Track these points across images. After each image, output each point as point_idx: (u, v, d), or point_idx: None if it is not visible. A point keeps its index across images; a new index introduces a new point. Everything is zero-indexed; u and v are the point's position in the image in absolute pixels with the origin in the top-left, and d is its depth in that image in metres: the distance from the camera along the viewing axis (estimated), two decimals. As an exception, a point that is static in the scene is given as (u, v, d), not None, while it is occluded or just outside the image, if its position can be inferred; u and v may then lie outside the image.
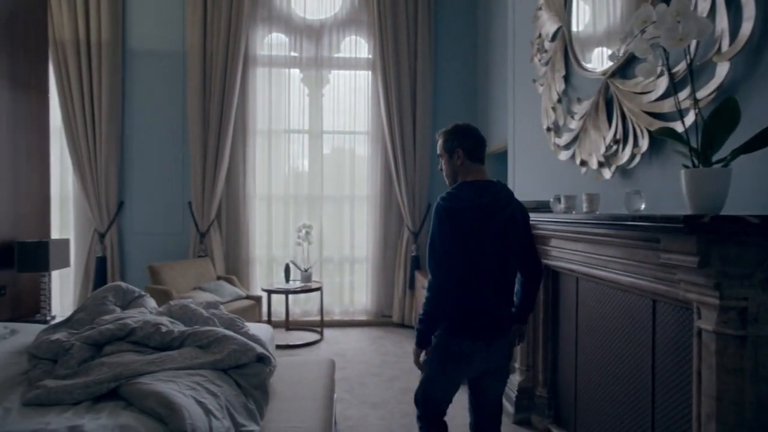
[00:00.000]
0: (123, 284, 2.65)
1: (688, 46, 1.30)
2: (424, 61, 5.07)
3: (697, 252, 1.20)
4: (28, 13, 3.48)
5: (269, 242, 5.21)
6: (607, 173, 2.14)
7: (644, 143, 1.83)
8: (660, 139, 1.74)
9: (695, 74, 1.47)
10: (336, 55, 5.22)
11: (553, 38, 2.80)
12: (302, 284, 4.64)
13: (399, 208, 5.18)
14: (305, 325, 5.06)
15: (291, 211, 5.21)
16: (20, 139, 3.40)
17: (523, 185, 3.35)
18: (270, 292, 4.53)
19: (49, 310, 3.45)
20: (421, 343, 1.78)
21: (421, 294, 4.55)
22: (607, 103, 2.17)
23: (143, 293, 2.69)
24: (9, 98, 3.30)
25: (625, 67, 2.01)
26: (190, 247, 4.98)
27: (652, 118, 1.77)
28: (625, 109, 1.95)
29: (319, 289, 4.64)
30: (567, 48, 2.59)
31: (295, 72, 5.22)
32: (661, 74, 1.58)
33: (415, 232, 5.10)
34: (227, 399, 1.75)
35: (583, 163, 2.40)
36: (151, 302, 2.68)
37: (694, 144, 1.26)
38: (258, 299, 4.59)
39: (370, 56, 5.23)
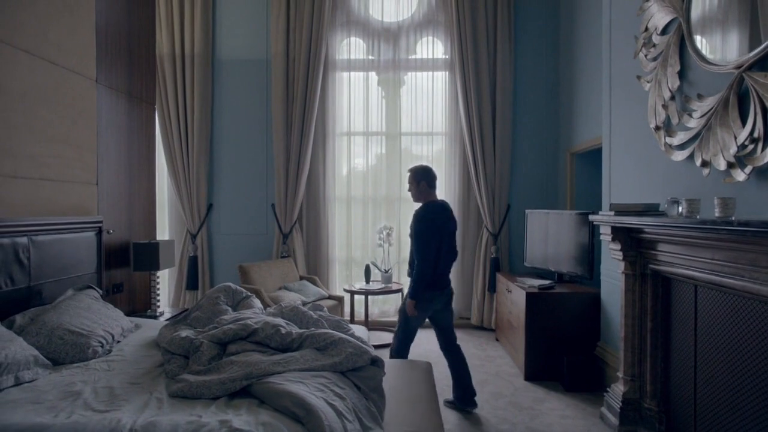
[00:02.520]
0: (232, 285, 2.81)
1: None
2: (504, 59, 4.97)
3: None
4: (141, 32, 3.75)
5: (348, 243, 5.33)
6: (740, 175, 1.99)
7: (793, 143, 1.68)
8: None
9: None
10: (412, 57, 5.24)
11: (664, 31, 2.65)
12: (383, 285, 4.70)
13: (477, 210, 5.11)
14: (383, 325, 5.12)
15: (369, 213, 5.30)
16: (133, 148, 3.68)
17: (622, 186, 3.20)
18: (353, 292, 4.63)
19: (158, 306, 3.71)
20: (416, 296, 2.90)
21: (501, 294, 4.47)
22: (740, 99, 2.02)
23: (250, 294, 2.84)
24: (126, 111, 3.58)
25: (766, 59, 1.85)
26: (274, 247, 5.18)
27: (806, 116, 1.62)
28: (768, 105, 1.80)
29: (400, 290, 4.68)
30: (684, 41, 2.44)
31: (372, 75, 5.28)
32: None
33: (495, 234, 5.01)
34: (352, 401, 1.80)
35: (705, 163, 2.25)
36: (257, 302, 2.82)
37: None
38: (340, 299, 4.70)
39: (446, 56, 5.20)
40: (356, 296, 4.80)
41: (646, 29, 2.80)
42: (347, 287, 4.73)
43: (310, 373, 1.89)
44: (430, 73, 5.26)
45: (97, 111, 3.26)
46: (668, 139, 2.57)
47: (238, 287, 2.81)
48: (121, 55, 3.54)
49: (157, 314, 3.65)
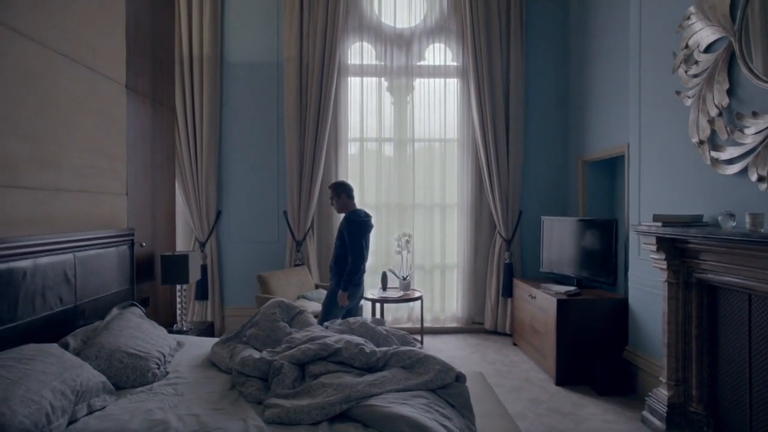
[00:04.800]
0: (285, 300, 2.74)
1: None
2: (517, 68, 5.05)
3: None
4: (163, 34, 3.61)
5: (361, 250, 5.27)
6: (805, 191, 2.09)
7: None
8: None
9: None
10: (423, 63, 5.24)
11: (708, 49, 2.75)
12: (403, 292, 4.68)
13: (490, 216, 5.17)
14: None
15: (383, 220, 5.26)
16: (156, 155, 3.54)
17: (655, 197, 3.30)
18: (374, 301, 4.58)
19: (185, 321, 3.57)
20: (347, 289, 3.43)
21: (521, 300, 4.54)
22: (804, 120, 2.12)
23: (302, 309, 2.77)
24: (150, 117, 3.43)
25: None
26: (287, 255, 5.08)
27: None
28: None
29: (420, 297, 4.67)
30: (733, 60, 2.54)
31: (381, 80, 5.25)
32: None
33: (508, 240, 5.09)
34: (457, 421, 1.79)
35: (761, 178, 2.35)
36: (311, 317, 2.75)
37: None
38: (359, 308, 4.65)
39: (456, 63, 5.23)
40: (372, 304, 4.76)
41: (687, 46, 2.90)
42: (367, 295, 4.68)
43: (408, 393, 1.86)
44: (440, 79, 5.27)
45: (126, 117, 3.11)
46: (714, 154, 2.68)
47: (290, 302, 2.74)
48: (146, 59, 3.39)
49: (184, 329, 3.51)
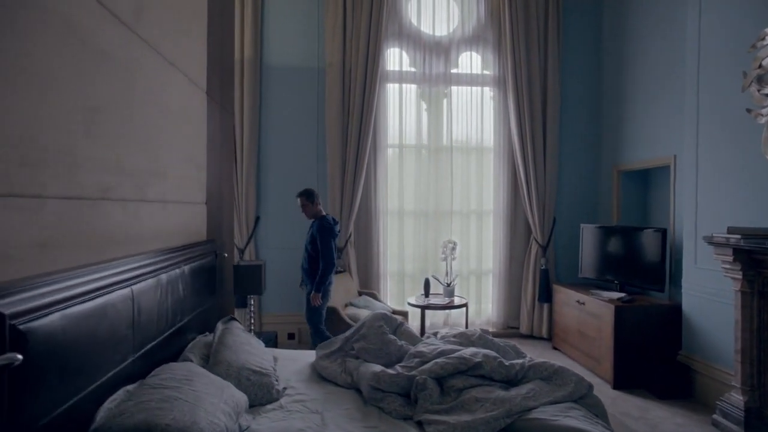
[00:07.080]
0: (388, 313, 2.73)
1: None
2: (554, 78, 5.17)
3: None
4: (228, 38, 3.55)
5: (400, 257, 5.29)
6: None
7: None
8: None
9: None
10: (459, 71, 5.29)
11: (785, 70, 2.90)
12: (449, 299, 4.72)
13: (525, 222, 5.27)
14: (438, 337, 5.13)
15: (420, 226, 5.29)
16: (223, 162, 3.46)
17: (714, 209, 3.44)
18: (421, 307, 4.59)
19: (254, 332, 3.50)
20: (320, 290, 3.76)
21: (565, 305, 4.66)
22: None
23: (403, 321, 2.78)
24: (219, 123, 3.36)
25: None
26: (327, 261, 5.04)
27: None
28: None
29: (465, 305, 4.71)
30: (819, 83, 2.70)
31: (416, 87, 5.27)
32: None
33: (544, 246, 5.20)
34: (617, 433, 1.83)
35: None
36: (411, 328, 2.76)
37: None
38: (405, 314, 4.66)
39: (491, 72, 5.31)
40: (411, 309, 4.78)
41: (760, 66, 3.05)
42: (413, 302, 4.70)
43: (562, 405, 1.90)
44: (475, 88, 5.33)
45: (206, 124, 3.04)
46: (793, 170, 2.83)
47: (392, 314, 2.74)
48: (216, 64, 3.31)
49: (253, 339, 3.44)
